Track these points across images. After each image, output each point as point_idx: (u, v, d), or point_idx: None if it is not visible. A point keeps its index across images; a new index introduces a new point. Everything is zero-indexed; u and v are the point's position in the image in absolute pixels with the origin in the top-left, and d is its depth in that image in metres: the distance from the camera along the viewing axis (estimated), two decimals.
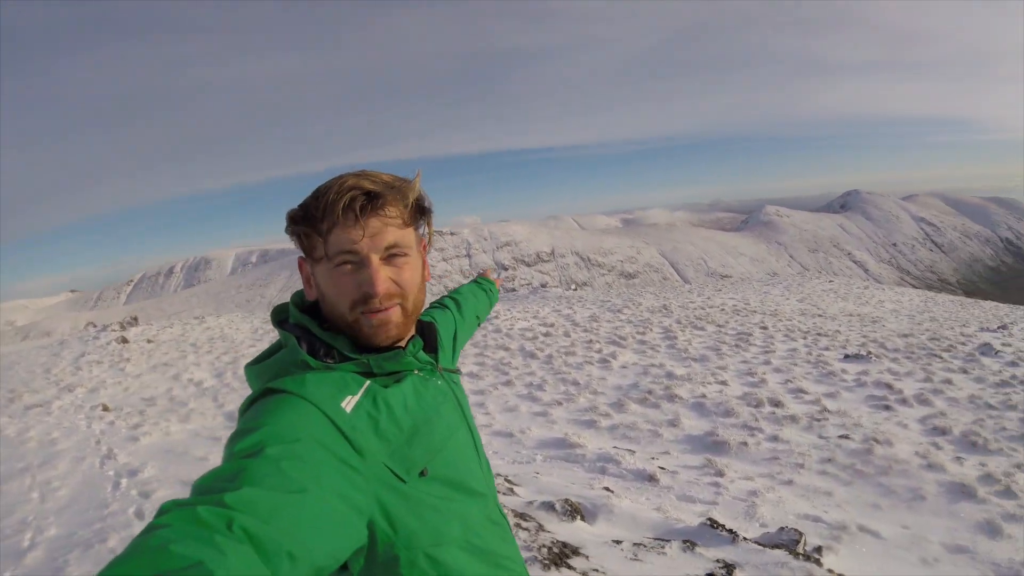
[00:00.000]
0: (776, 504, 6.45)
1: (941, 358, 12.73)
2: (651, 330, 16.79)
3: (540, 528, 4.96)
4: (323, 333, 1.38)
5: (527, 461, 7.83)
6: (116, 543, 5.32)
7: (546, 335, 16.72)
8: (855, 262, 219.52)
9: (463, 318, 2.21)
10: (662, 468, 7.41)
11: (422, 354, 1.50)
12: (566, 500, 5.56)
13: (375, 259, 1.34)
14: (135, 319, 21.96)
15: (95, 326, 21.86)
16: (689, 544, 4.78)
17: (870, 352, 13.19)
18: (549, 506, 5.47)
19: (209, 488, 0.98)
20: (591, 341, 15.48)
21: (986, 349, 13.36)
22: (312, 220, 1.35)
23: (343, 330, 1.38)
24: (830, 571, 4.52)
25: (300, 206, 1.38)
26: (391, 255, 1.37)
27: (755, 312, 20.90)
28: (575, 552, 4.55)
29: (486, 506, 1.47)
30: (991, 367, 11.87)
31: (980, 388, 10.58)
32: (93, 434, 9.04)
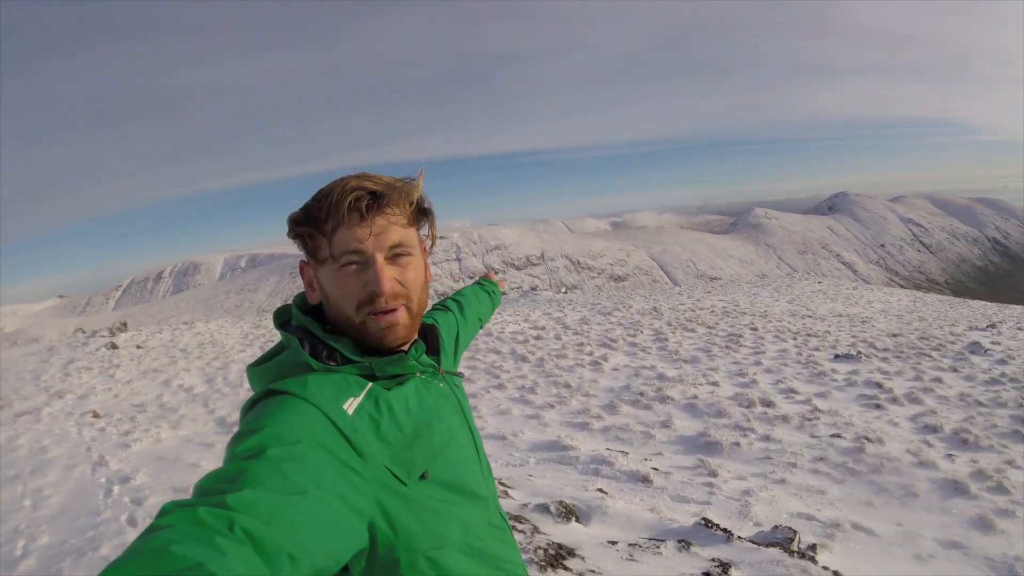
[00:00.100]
0: (770, 503, 6.46)
1: (931, 357, 12.81)
2: (642, 332, 16.82)
3: (535, 530, 4.96)
4: (325, 335, 1.37)
5: (520, 464, 7.83)
6: (109, 551, 5.28)
7: (537, 338, 16.73)
8: (844, 263, 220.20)
9: (465, 320, 2.20)
10: (655, 469, 7.42)
11: (424, 357, 1.50)
12: (560, 502, 5.56)
13: (380, 258, 1.34)
14: (124, 324, 21.85)
15: (84, 332, 21.75)
16: (684, 544, 4.79)
17: (860, 352, 13.26)
18: (544, 508, 5.47)
19: (210, 489, 0.98)
20: (582, 344, 15.50)
21: (975, 348, 13.44)
22: (316, 221, 1.34)
23: (348, 332, 1.38)
24: (825, 568, 4.54)
25: (302, 209, 1.38)
26: (396, 255, 1.37)
27: (745, 313, 20.96)
28: (571, 553, 4.55)
29: (487, 509, 1.46)
30: (980, 365, 11.95)
31: (970, 386, 10.64)
32: (84, 441, 8.98)
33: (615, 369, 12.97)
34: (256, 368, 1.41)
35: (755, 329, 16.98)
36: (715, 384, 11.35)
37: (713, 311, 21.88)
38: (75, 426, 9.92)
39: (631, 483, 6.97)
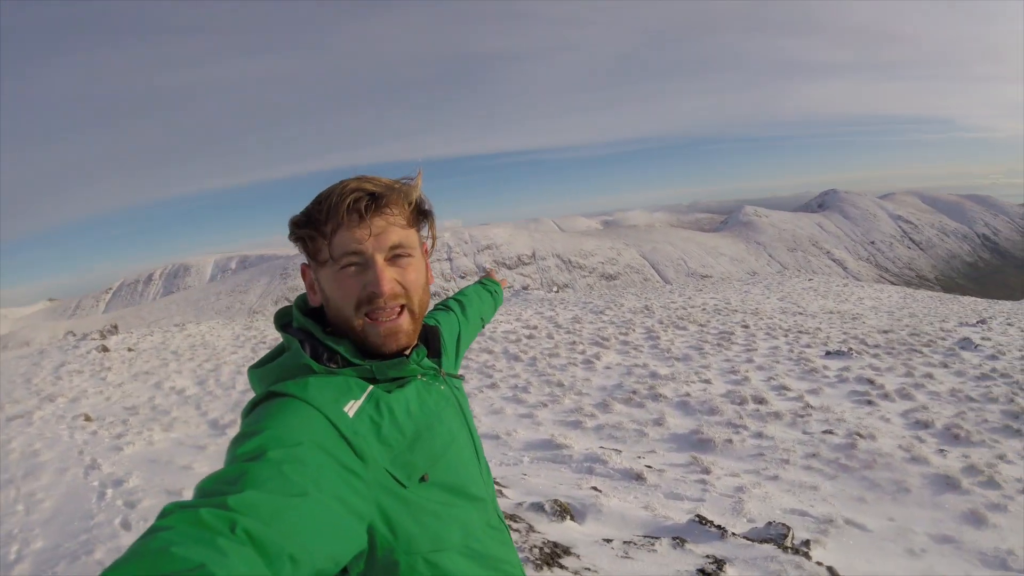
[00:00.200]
0: (763, 499, 6.49)
1: (921, 353, 12.86)
2: (634, 331, 16.85)
3: (531, 529, 4.97)
4: (326, 337, 1.38)
5: (514, 463, 7.83)
6: (103, 554, 5.27)
7: (529, 337, 16.73)
8: (834, 260, 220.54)
9: (467, 320, 2.20)
10: (649, 467, 7.43)
11: (426, 360, 1.51)
12: (555, 501, 5.57)
13: (380, 259, 1.34)
14: (115, 327, 21.76)
15: (75, 335, 21.66)
16: (679, 541, 4.80)
17: (851, 348, 13.30)
18: (538, 507, 5.47)
19: (211, 491, 0.98)
20: (574, 343, 15.51)
21: (966, 343, 13.50)
22: (316, 223, 1.35)
23: (348, 335, 1.38)
24: (819, 564, 4.55)
25: (303, 211, 1.38)
26: (396, 255, 1.38)
27: (736, 311, 21.01)
28: (566, 552, 4.56)
29: (485, 511, 1.46)
30: (971, 361, 12.00)
31: (961, 382, 10.70)
32: (76, 444, 8.93)
33: (608, 368, 12.99)
34: (257, 370, 1.41)
35: (746, 327, 17.02)
36: (707, 382, 11.38)
37: (704, 309, 21.93)
38: (67, 429, 9.87)
39: (625, 481, 6.98)
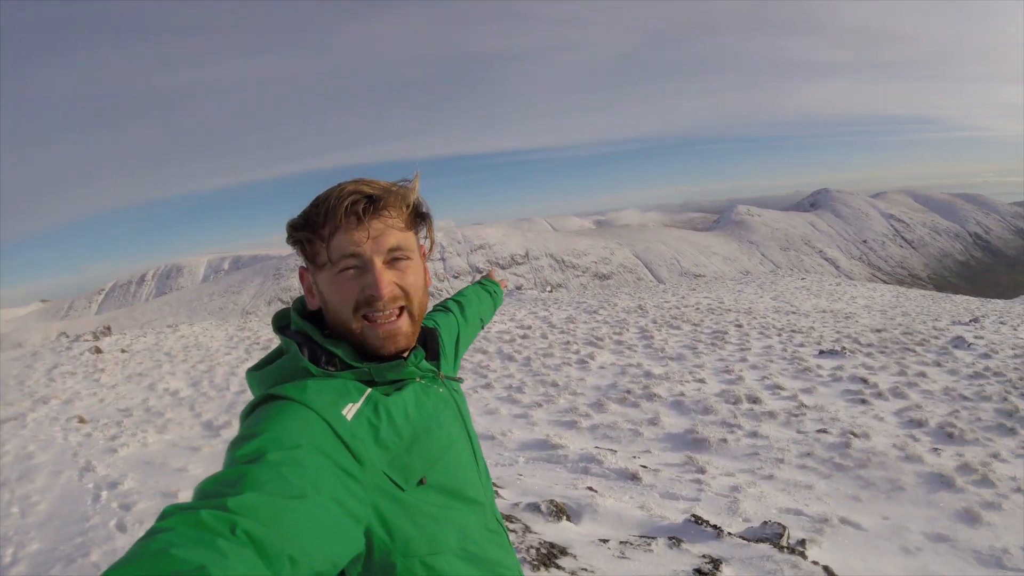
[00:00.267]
0: (758, 499, 6.50)
1: (915, 352, 12.89)
2: (627, 330, 16.85)
3: (527, 529, 4.97)
4: (325, 340, 1.38)
5: (510, 463, 7.84)
6: (98, 557, 5.25)
7: (523, 337, 16.73)
8: (826, 259, 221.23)
9: (466, 321, 2.20)
10: (644, 467, 7.44)
11: (424, 363, 1.50)
12: (551, 501, 5.57)
13: (378, 262, 1.34)
14: (108, 328, 21.70)
15: (67, 336, 21.58)
16: (675, 540, 4.81)
17: (844, 347, 13.33)
18: (534, 507, 5.48)
19: (211, 493, 0.98)
20: (568, 342, 15.51)
21: (959, 342, 13.54)
22: (314, 226, 1.35)
23: (346, 338, 1.38)
24: (815, 563, 4.56)
25: (300, 214, 1.38)
26: (394, 258, 1.38)
27: (730, 310, 21.03)
28: (563, 552, 4.56)
29: (483, 514, 1.46)
30: (964, 360, 12.04)
31: (954, 380, 10.73)
32: (70, 446, 8.90)
33: (602, 367, 12.99)
34: (255, 372, 1.41)
35: (740, 326, 17.05)
36: (701, 381, 11.39)
37: (698, 308, 21.95)
38: (61, 431, 9.84)
39: (620, 481, 6.98)
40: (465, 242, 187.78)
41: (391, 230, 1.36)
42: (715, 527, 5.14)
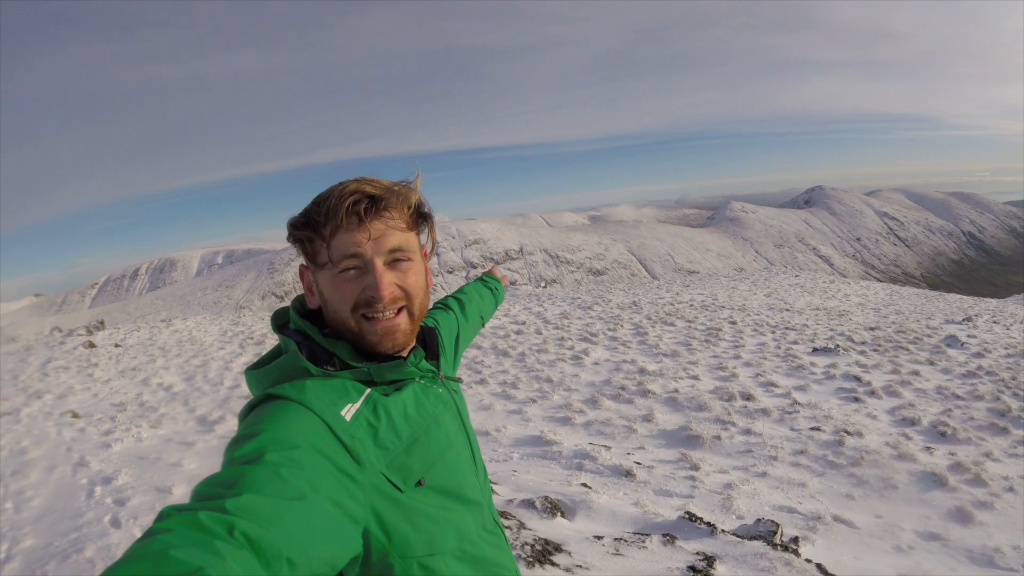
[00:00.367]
0: (751, 496, 6.52)
1: (908, 350, 12.94)
2: (622, 326, 16.87)
3: (522, 526, 4.97)
4: (324, 340, 1.38)
5: (504, 459, 7.84)
6: (93, 553, 5.24)
7: (518, 333, 16.74)
8: (820, 257, 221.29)
9: (466, 319, 2.19)
10: (638, 463, 7.45)
11: (424, 363, 1.50)
12: (545, 497, 5.58)
13: (379, 263, 1.34)
14: (102, 323, 21.62)
15: (61, 331, 21.51)
16: (669, 538, 4.82)
17: (838, 345, 13.36)
18: (529, 504, 5.48)
19: (209, 494, 0.98)
20: (563, 338, 15.52)
21: (952, 341, 13.59)
22: (315, 225, 1.34)
23: (346, 337, 1.38)
24: (808, 561, 4.58)
25: (301, 213, 1.38)
26: (395, 259, 1.37)
27: (723, 307, 21.07)
28: (558, 549, 4.57)
29: (481, 515, 1.46)
30: (957, 359, 12.08)
31: (947, 379, 10.77)
32: (64, 442, 8.87)
33: (596, 363, 13.00)
34: (254, 372, 1.41)
35: (734, 323, 17.08)
36: (695, 378, 11.41)
37: (692, 305, 21.98)
38: (55, 426, 9.80)
39: (614, 477, 6.99)
40: (459, 237, 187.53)
41: (392, 231, 1.36)
42: (709, 524, 5.15)
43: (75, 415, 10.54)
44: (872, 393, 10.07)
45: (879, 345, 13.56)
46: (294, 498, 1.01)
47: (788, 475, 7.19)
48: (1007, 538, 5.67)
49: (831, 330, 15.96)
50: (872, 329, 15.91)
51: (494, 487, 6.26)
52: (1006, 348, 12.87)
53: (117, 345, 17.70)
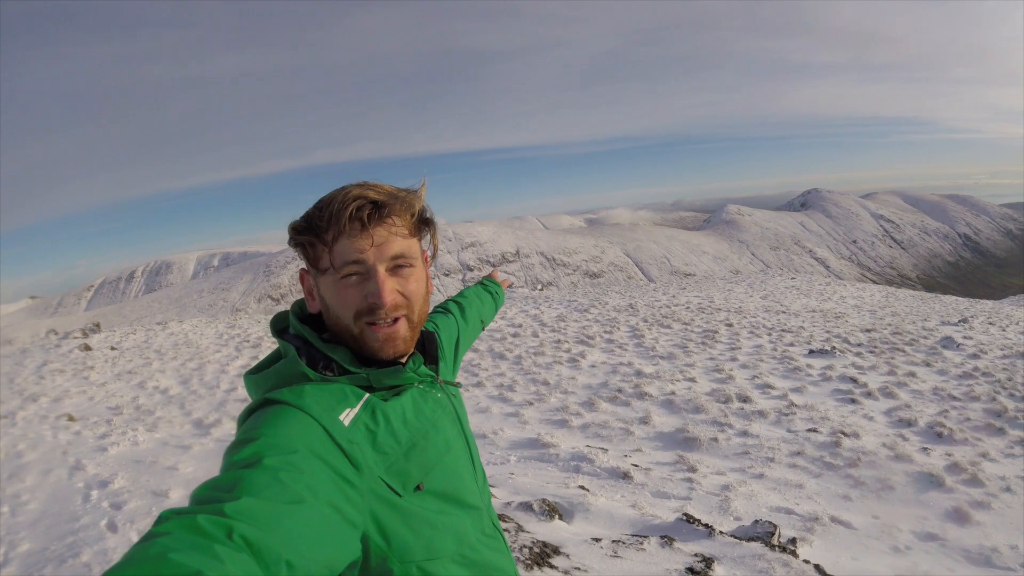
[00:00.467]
0: (749, 498, 6.53)
1: (904, 352, 12.95)
2: (618, 329, 16.88)
3: (520, 528, 4.97)
4: (323, 345, 1.38)
5: (501, 462, 7.84)
6: (89, 557, 5.22)
7: (514, 336, 16.74)
8: (816, 259, 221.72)
9: (466, 323, 2.19)
10: (635, 465, 7.46)
11: (423, 368, 1.50)
12: (543, 500, 5.57)
13: (381, 270, 1.34)
14: (97, 326, 21.58)
15: (56, 333, 21.47)
16: (667, 539, 4.82)
17: (834, 347, 13.38)
18: (527, 506, 5.48)
19: (207, 498, 0.98)
20: (559, 341, 15.52)
21: (948, 342, 13.61)
22: (317, 230, 1.34)
23: (346, 342, 1.38)
24: (806, 562, 4.58)
25: (303, 217, 1.37)
26: (397, 266, 1.37)
27: (720, 310, 21.09)
28: (556, 551, 4.56)
29: (480, 519, 1.46)
30: (953, 360, 12.10)
31: (943, 380, 10.78)
32: (60, 445, 8.83)
33: (593, 366, 13.01)
34: (253, 376, 1.40)
35: (730, 325, 17.10)
36: (692, 380, 11.42)
37: (688, 307, 22.01)
38: (50, 430, 9.77)
39: (612, 480, 6.99)
40: (456, 239, 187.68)
41: (395, 237, 1.36)
42: (707, 526, 5.15)
43: (71, 418, 10.52)
44: (868, 395, 10.08)
45: (875, 347, 13.58)
46: (293, 502, 1.01)
47: (785, 476, 7.20)
48: (1004, 538, 5.68)
49: (827, 332, 15.98)
50: (868, 331, 15.93)
51: (491, 489, 6.26)
52: (1002, 349, 12.89)
53: (113, 348, 17.68)
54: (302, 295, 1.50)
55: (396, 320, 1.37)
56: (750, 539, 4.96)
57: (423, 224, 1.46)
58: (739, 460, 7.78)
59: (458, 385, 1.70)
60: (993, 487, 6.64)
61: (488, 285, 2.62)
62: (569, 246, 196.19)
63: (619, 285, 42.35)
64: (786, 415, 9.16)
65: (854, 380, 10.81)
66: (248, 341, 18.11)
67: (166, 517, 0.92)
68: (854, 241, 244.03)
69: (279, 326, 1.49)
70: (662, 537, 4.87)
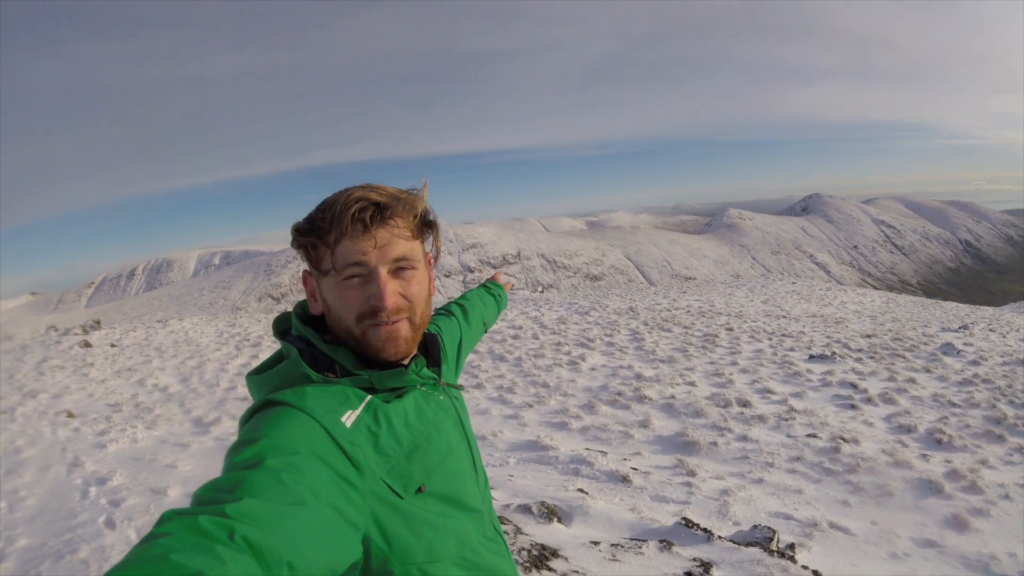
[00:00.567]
0: (748, 503, 6.52)
1: (904, 358, 12.96)
2: (618, 332, 16.89)
3: (518, 531, 4.97)
4: (325, 346, 1.38)
5: (500, 464, 7.83)
6: (87, 554, 5.22)
7: (515, 338, 16.75)
8: (817, 264, 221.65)
9: (469, 325, 2.19)
10: (635, 469, 7.45)
11: (425, 370, 1.50)
12: (542, 503, 5.57)
13: (383, 272, 1.34)
14: (98, 322, 21.58)
15: (57, 330, 21.47)
16: (666, 544, 4.82)
17: (834, 352, 13.38)
18: (526, 509, 5.48)
19: (209, 499, 0.98)
20: (559, 343, 15.53)
21: (948, 348, 13.61)
22: (319, 232, 1.34)
23: (348, 344, 1.38)
24: (804, 567, 4.58)
25: (306, 219, 1.37)
26: (399, 268, 1.37)
27: (720, 314, 21.10)
28: (554, 554, 4.56)
29: (482, 522, 1.46)
30: (953, 366, 12.10)
31: (943, 387, 10.78)
32: (59, 441, 8.84)
33: (593, 369, 13.01)
34: (255, 377, 1.41)
35: (730, 329, 17.10)
36: (692, 384, 11.41)
37: (689, 311, 22.01)
38: (49, 426, 9.77)
39: (611, 483, 6.99)
40: (457, 241, 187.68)
41: (397, 239, 1.36)
42: (705, 530, 5.15)
43: (70, 415, 10.53)
44: (868, 400, 10.08)
45: (875, 352, 13.59)
46: (294, 503, 1.01)
47: (784, 482, 7.19)
48: (1003, 545, 5.68)
49: (828, 337, 15.99)
50: (868, 336, 15.94)
51: (491, 491, 6.26)
52: (1002, 356, 12.90)
53: (113, 345, 17.69)
54: (303, 295, 1.50)
55: (397, 320, 1.37)
56: (749, 544, 4.95)
57: (425, 226, 1.46)
58: (738, 465, 7.77)
59: (460, 388, 1.70)
60: (992, 494, 6.63)
61: (491, 288, 2.62)
62: (570, 248, 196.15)
63: (620, 288, 42.38)
64: (786, 420, 9.15)
65: (854, 386, 10.81)
66: (248, 340, 18.11)
67: (168, 518, 0.92)
68: (855, 246, 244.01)
69: (281, 327, 1.48)
70: (661, 541, 4.86)
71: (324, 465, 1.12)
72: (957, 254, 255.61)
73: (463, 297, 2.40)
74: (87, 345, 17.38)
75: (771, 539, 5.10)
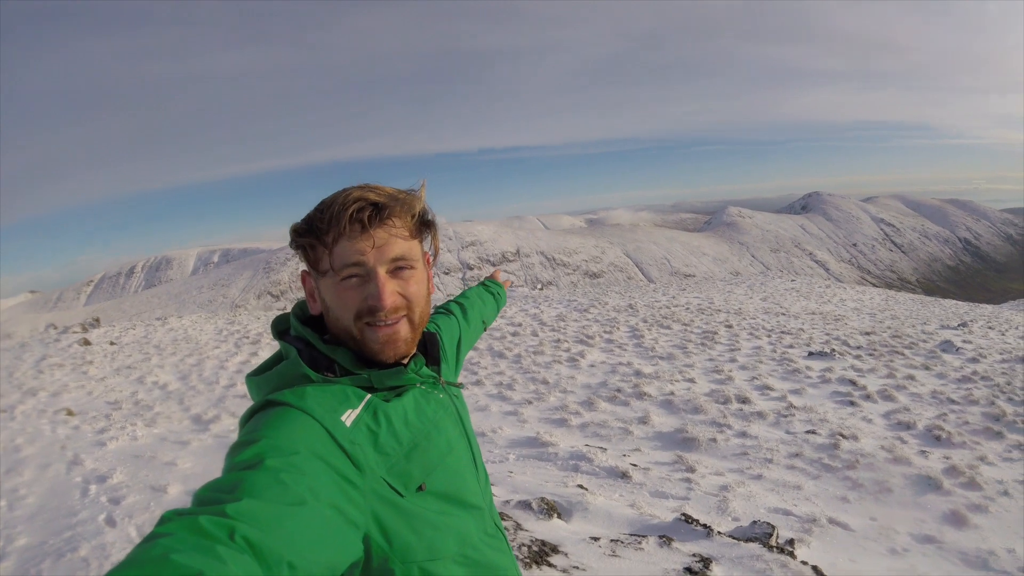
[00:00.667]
0: (747, 499, 6.53)
1: (903, 355, 12.96)
2: (618, 329, 16.89)
3: (518, 527, 4.98)
4: (324, 346, 1.38)
5: (500, 460, 7.84)
6: (87, 552, 5.21)
7: (514, 335, 16.74)
8: (816, 262, 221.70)
9: (468, 324, 2.19)
10: (634, 465, 7.45)
11: (424, 369, 1.51)
12: (542, 499, 5.57)
13: (382, 272, 1.34)
14: (97, 320, 21.57)
15: (56, 328, 21.46)
16: (665, 539, 4.82)
17: (833, 350, 13.39)
18: (525, 505, 5.48)
19: (209, 499, 0.99)
20: (559, 340, 15.52)
21: (947, 346, 13.62)
22: (317, 232, 1.34)
23: (347, 344, 1.38)
24: (803, 563, 4.58)
25: (304, 219, 1.38)
26: (397, 268, 1.37)
27: (720, 311, 21.10)
28: (554, 550, 4.57)
29: (483, 520, 1.46)
30: (952, 363, 12.11)
31: (942, 384, 10.79)
32: (58, 439, 8.83)
33: (592, 365, 13.01)
34: (255, 377, 1.42)
35: (730, 326, 17.10)
36: (691, 381, 11.42)
37: (688, 308, 22.01)
38: (49, 424, 9.76)
39: (610, 479, 6.99)
40: (456, 238, 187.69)
41: (395, 239, 1.36)
42: (705, 526, 5.15)
43: (70, 413, 10.52)
44: (867, 397, 10.09)
45: (875, 349, 13.59)
46: (295, 503, 1.01)
47: (784, 478, 7.20)
48: (1001, 541, 5.68)
49: (827, 334, 15.99)
50: (868, 334, 15.94)
51: (490, 488, 6.26)
52: (1001, 353, 12.91)
53: (112, 343, 17.68)
54: (302, 292, 1.50)
55: (396, 320, 1.37)
56: (748, 540, 4.96)
57: (424, 226, 1.46)
58: (738, 461, 7.78)
59: (460, 386, 1.71)
60: (991, 491, 6.64)
61: (490, 286, 2.62)
62: (569, 246, 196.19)
63: (619, 285, 42.34)
64: (785, 417, 9.16)
65: (853, 382, 10.82)
66: (247, 337, 18.10)
67: (168, 518, 0.93)
68: (854, 244, 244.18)
69: (280, 328, 1.49)
70: (660, 537, 4.87)
71: (324, 465, 1.13)
72: (956, 252, 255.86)
73: (462, 295, 2.40)
74: (86, 343, 17.37)
75: (770, 535, 5.11)
